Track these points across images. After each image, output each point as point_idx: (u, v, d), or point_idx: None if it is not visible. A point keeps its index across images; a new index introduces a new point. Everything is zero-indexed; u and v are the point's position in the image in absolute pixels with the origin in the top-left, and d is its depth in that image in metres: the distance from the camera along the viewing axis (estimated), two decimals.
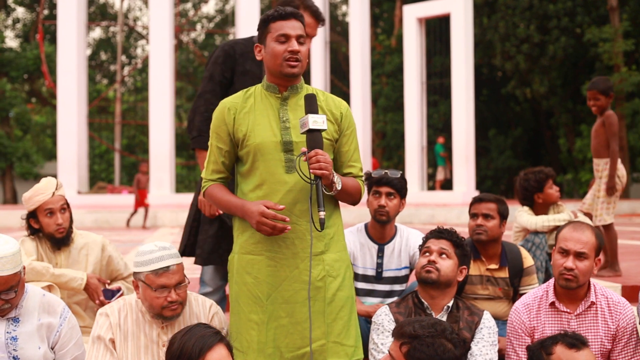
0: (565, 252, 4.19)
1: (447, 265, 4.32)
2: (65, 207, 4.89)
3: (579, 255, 4.17)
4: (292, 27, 3.77)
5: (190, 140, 5.03)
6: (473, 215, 5.11)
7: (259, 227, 3.67)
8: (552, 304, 4.28)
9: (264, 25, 3.81)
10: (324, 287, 3.84)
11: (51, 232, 4.79)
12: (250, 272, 3.82)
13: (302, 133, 3.65)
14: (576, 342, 3.78)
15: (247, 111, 3.85)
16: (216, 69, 4.97)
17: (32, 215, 4.84)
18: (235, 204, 3.80)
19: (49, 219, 4.79)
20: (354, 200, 3.92)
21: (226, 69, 4.96)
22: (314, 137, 3.62)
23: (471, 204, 5.18)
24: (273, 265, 3.79)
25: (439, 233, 4.44)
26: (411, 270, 5.22)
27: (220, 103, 3.92)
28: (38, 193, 4.81)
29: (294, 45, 3.75)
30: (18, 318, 3.95)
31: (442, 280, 4.30)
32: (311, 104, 3.68)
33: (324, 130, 3.63)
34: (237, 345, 3.81)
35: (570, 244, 4.16)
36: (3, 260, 3.73)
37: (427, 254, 4.36)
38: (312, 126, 3.59)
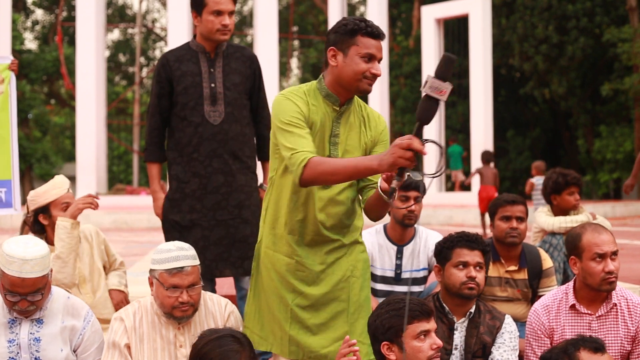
0: (601, 257, 4.14)
1: (482, 277, 4.29)
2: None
3: (614, 255, 4.15)
4: (379, 48, 3.69)
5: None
6: (506, 218, 5.06)
7: (399, 159, 3.25)
8: (573, 307, 4.25)
9: (351, 34, 3.65)
10: (347, 287, 3.87)
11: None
12: (278, 270, 3.84)
13: (421, 89, 3.33)
14: (599, 345, 3.76)
15: (312, 111, 3.76)
16: (154, 83, 5.18)
17: (43, 211, 4.85)
18: (364, 158, 3.47)
19: (64, 213, 4.80)
20: (384, 214, 3.83)
21: (162, 79, 5.11)
22: (427, 104, 3.27)
23: (499, 206, 5.12)
24: (301, 269, 3.82)
25: (472, 243, 4.31)
26: (429, 272, 5.21)
27: (292, 91, 3.76)
28: (55, 187, 4.86)
29: (378, 68, 3.69)
30: (42, 320, 3.99)
31: (479, 293, 4.30)
32: (446, 69, 3.24)
33: (441, 100, 3.24)
34: (261, 333, 3.89)
35: (605, 247, 4.12)
36: (32, 262, 3.77)
37: (462, 267, 4.26)
38: (429, 92, 3.23)
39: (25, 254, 3.77)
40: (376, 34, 3.66)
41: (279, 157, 3.77)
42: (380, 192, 3.55)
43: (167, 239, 5.03)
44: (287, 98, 3.70)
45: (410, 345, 3.54)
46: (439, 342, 3.58)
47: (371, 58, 3.66)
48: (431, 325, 3.60)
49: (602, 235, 4.14)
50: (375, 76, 3.69)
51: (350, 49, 3.65)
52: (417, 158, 3.27)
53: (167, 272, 3.88)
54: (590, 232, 4.19)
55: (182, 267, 3.88)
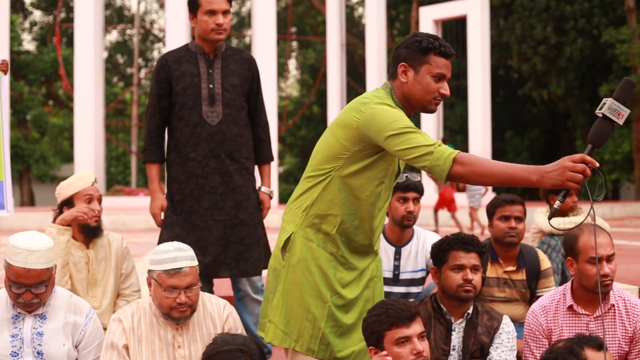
0: (597, 260, 4.14)
1: (479, 279, 4.29)
2: (101, 199, 4.93)
3: (610, 258, 4.15)
4: (449, 68, 3.66)
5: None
6: (504, 218, 5.06)
7: (568, 182, 3.21)
8: (570, 307, 4.26)
9: (424, 52, 3.62)
10: (372, 287, 3.88)
11: (88, 218, 4.78)
12: (321, 265, 3.74)
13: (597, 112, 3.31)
14: (600, 343, 3.77)
15: None
16: (153, 84, 5.20)
17: (67, 204, 4.84)
18: (522, 167, 3.35)
19: (87, 205, 4.80)
20: None
21: (161, 80, 5.15)
22: (602, 126, 3.28)
23: (498, 206, 5.13)
24: (342, 268, 3.78)
25: (468, 245, 4.29)
26: (428, 273, 5.21)
27: (384, 100, 3.64)
28: (79, 180, 4.86)
29: (447, 88, 3.68)
30: (45, 315, 4.06)
31: (476, 295, 4.30)
32: (625, 92, 3.28)
33: (617, 123, 3.24)
34: (286, 329, 3.77)
35: (600, 250, 4.12)
36: (37, 254, 3.87)
37: (458, 269, 4.25)
38: (607, 113, 3.24)
39: (31, 245, 3.87)
40: (449, 54, 3.65)
41: (346, 157, 3.66)
42: None
43: (163, 238, 5.05)
44: (390, 106, 3.62)
45: (391, 351, 3.52)
46: (420, 348, 3.53)
47: (442, 78, 3.65)
48: (412, 330, 3.55)
49: (598, 238, 4.14)
50: (443, 96, 3.68)
51: (422, 67, 3.63)
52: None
53: (165, 272, 3.87)
54: (587, 234, 4.19)
55: (180, 268, 3.87)
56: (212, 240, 4.99)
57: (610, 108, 3.23)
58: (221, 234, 5.04)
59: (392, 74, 3.74)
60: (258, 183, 5.30)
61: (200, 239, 5.01)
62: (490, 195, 21.16)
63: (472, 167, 3.37)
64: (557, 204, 3.35)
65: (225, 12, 5.06)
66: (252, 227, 5.13)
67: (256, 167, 5.35)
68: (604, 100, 3.26)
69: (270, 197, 5.35)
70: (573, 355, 3.68)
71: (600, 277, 4.12)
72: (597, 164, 3.22)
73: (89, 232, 4.86)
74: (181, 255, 3.91)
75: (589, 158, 3.21)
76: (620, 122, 3.24)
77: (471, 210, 18.49)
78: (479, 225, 18.25)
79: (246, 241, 5.05)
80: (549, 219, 3.43)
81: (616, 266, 4.21)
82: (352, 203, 3.71)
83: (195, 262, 3.97)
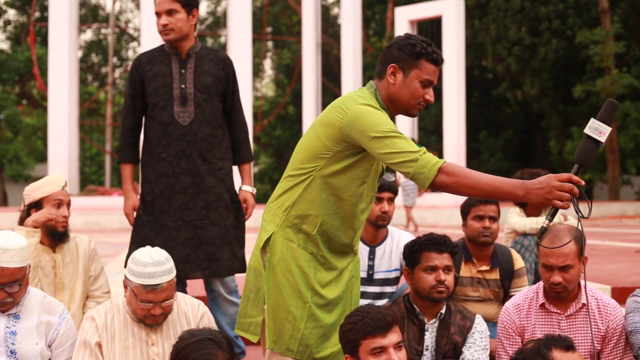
0: (549, 268, 4.20)
1: (451, 279, 4.31)
2: (69, 204, 4.89)
3: (563, 268, 4.18)
4: (437, 75, 3.68)
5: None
6: (479, 218, 5.07)
7: (555, 200, 3.26)
8: (542, 305, 4.29)
9: (417, 57, 3.62)
10: (350, 287, 3.86)
11: (56, 223, 4.75)
12: (301, 265, 3.71)
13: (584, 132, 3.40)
14: (569, 344, 3.79)
15: None
16: (128, 84, 5.23)
17: (35, 206, 4.80)
18: (508, 181, 3.40)
19: (56, 210, 4.77)
20: None
21: (135, 80, 5.16)
22: (586, 144, 3.37)
23: (472, 205, 5.14)
24: (323, 268, 3.76)
25: (440, 246, 4.30)
26: (402, 272, 5.22)
27: (369, 102, 3.63)
28: (50, 183, 4.81)
29: (432, 94, 3.68)
30: (19, 315, 4.05)
31: (449, 295, 4.32)
32: (608, 112, 3.38)
33: (599, 140, 3.33)
34: (266, 330, 3.75)
35: (552, 259, 4.15)
36: (11, 252, 3.87)
37: (431, 270, 4.26)
38: (589, 132, 3.34)
39: (5, 244, 3.86)
40: (439, 61, 3.66)
41: (328, 157, 3.64)
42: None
43: (134, 239, 5.05)
44: (375, 108, 3.60)
45: None
46: (395, 358, 3.51)
47: (429, 84, 3.65)
48: (388, 340, 3.49)
49: (556, 248, 4.15)
50: (428, 102, 3.69)
51: (412, 72, 3.62)
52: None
53: (142, 286, 3.87)
54: (547, 239, 4.20)
55: (158, 284, 3.87)
56: (181, 240, 4.97)
57: (591, 127, 3.32)
58: (191, 235, 5.02)
59: (379, 73, 3.72)
60: (238, 183, 5.28)
61: (169, 239, 4.99)
62: (426, 195, 21.29)
63: (457, 177, 3.39)
64: (546, 222, 3.39)
65: (170, 12, 5.06)
66: (223, 227, 5.10)
67: (236, 168, 5.34)
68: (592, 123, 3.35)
69: (253, 195, 5.33)
70: (540, 356, 3.69)
71: (551, 284, 4.20)
72: (583, 183, 3.27)
73: (55, 237, 4.81)
74: (159, 271, 3.88)
75: (575, 177, 3.26)
76: (602, 139, 3.31)
77: (406, 209, 18.63)
78: (413, 224, 18.39)
79: (217, 242, 5.04)
80: (539, 237, 3.49)
81: (575, 275, 4.22)
82: (334, 203, 3.69)
83: (173, 274, 3.95)
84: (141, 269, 3.88)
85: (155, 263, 3.90)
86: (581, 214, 3.32)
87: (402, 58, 3.63)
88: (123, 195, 5.26)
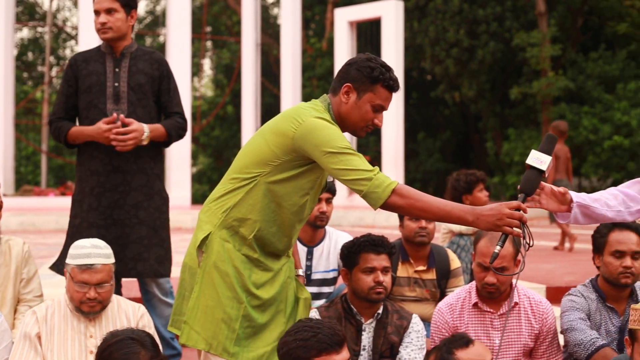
0: (485, 268, 4.27)
1: (389, 280, 4.34)
2: (2, 206, 4.76)
3: (499, 269, 4.24)
4: (389, 102, 3.70)
5: None
6: (415, 218, 5.11)
7: (505, 227, 3.41)
8: (476, 305, 4.35)
9: (373, 81, 3.64)
10: (286, 288, 3.86)
11: None
12: (237, 266, 3.69)
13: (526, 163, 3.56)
14: (467, 339, 3.88)
15: None
16: (62, 82, 5.24)
17: None
18: (459, 206, 3.49)
19: None
20: None
21: (70, 78, 5.17)
22: (529, 174, 3.56)
23: None
24: (258, 269, 3.74)
25: (378, 247, 4.33)
26: (339, 273, 5.25)
27: (324, 115, 3.65)
28: None
29: (381, 120, 3.72)
30: None
31: (387, 295, 4.35)
32: (547, 144, 3.58)
33: (541, 168, 3.52)
34: (201, 331, 3.69)
35: (488, 259, 4.21)
36: None
37: (370, 272, 4.28)
38: (530, 162, 3.54)
39: None
40: (395, 88, 3.69)
41: (275, 165, 3.63)
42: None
43: (67, 241, 5.05)
44: (330, 122, 3.62)
45: None
46: (381, 123, 3.62)
47: (380, 109, 3.67)
48: (341, 357, 3.42)
49: (492, 248, 4.19)
50: (375, 127, 3.72)
51: (366, 95, 3.64)
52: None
53: (77, 267, 4.01)
54: (487, 240, 4.34)
55: (92, 265, 4.00)
56: (110, 239, 4.93)
57: (533, 157, 3.52)
58: (120, 233, 4.99)
59: (334, 89, 3.75)
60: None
61: (98, 238, 4.95)
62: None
63: (410, 200, 3.45)
64: (497, 248, 3.47)
65: (109, 11, 5.04)
66: (151, 228, 5.07)
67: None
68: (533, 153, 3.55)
69: (144, 134, 5.02)
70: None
71: (484, 284, 4.31)
72: (527, 212, 3.44)
73: None
74: (95, 252, 4.03)
75: (523, 206, 3.40)
76: (544, 167, 3.49)
77: None
78: None
79: (145, 242, 5.01)
80: (491, 263, 3.56)
81: (508, 278, 4.31)
82: (274, 210, 3.69)
83: (110, 260, 4.08)
84: (78, 251, 4.04)
85: (93, 246, 4.06)
86: (529, 241, 3.45)
87: (359, 79, 3.66)
88: (91, 136, 5.03)
